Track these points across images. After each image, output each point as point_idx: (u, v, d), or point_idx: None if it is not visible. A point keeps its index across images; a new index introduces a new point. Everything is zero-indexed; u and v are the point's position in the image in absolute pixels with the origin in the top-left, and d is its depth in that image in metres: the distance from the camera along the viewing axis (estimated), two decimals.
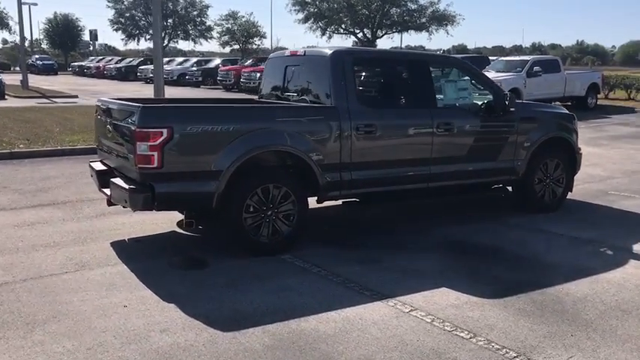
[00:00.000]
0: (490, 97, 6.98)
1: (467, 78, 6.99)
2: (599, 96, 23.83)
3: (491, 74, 20.93)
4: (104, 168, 6.19)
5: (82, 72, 52.96)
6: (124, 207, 5.82)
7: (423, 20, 36.20)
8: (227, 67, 35.11)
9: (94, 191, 8.43)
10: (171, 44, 65.47)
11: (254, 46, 49.66)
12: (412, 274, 5.27)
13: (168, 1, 54.80)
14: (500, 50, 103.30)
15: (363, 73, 6.27)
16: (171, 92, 25.54)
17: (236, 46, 49.55)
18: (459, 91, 6.88)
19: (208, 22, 57.36)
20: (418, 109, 6.50)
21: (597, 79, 23.46)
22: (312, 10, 39.80)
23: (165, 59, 45.89)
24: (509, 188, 7.53)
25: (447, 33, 37.06)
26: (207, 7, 59.28)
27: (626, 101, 25.79)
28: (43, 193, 8.43)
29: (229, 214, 5.50)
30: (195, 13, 57.57)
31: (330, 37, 41.95)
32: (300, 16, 41.79)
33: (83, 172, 9.86)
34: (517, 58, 24.53)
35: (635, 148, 13.69)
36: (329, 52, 6.16)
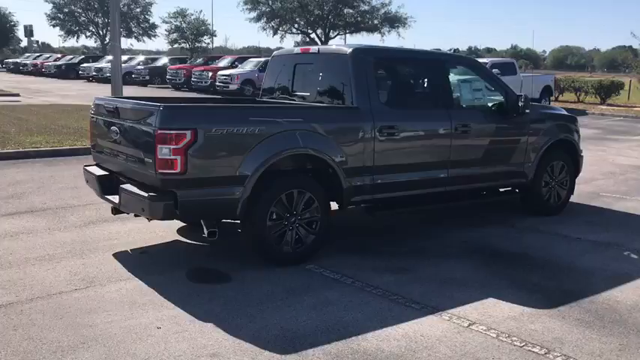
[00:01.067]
0: (501, 98, 6.82)
1: (480, 79, 6.81)
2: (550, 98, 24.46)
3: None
4: (105, 173, 5.66)
5: (17, 69, 50.50)
6: (135, 216, 5.33)
7: (376, 22, 36.37)
8: (177, 66, 34.22)
9: (73, 197, 7.90)
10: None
11: (203, 45, 48.62)
12: (450, 284, 5.02)
13: None
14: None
15: (383, 72, 5.98)
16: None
17: (185, 45, 48.28)
18: (473, 91, 6.70)
19: (152, 20, 56.03)
20: (437, 109, 6.27)
21: (550, 82, 24.08)
22: (264, 9, 39.21)
23: (108, 57, 44.38)
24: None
25: (399, 35, 37.45)
26: (151, 4, 57.79)
27: (575, 103, 26.57)
28: (16, 199, 7.74)
29: (253, 221, 5.10)
30: (138, 10, 55.92)
31: (282, 37, 41.63)
32: (252, 14, 41.37)
33: (54, 176, 9.24)
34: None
35: (601, 149, 13.97)
36: (348, 50, 5.84)
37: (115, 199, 5.35)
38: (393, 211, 6.13)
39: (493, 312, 4.45)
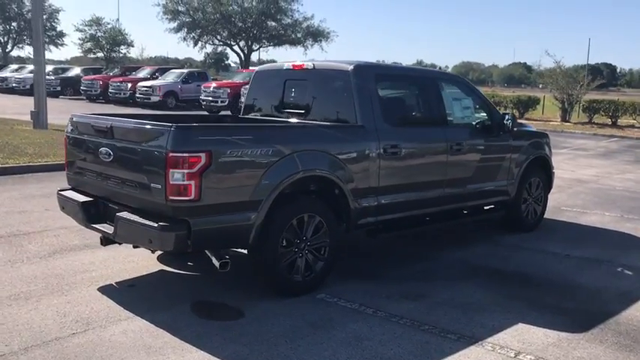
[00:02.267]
0: (486, 116, 6.82)
1: (467, 96, 6.76)
2: None
3: None
4: (88, 199, 5.08)
5: None
6: (135, 247, 4.80)
7: (299, 35, 36.26)
8: (92, 77, 32.63)
9: (23, 222, 7.17)
10: (15, 50, 59.42)
11: (120, 55, 46.27)
12: (471, 309, 4.86)
13: (11, 2, 49.63)
14: None
15: (383, 90, 5.78)
16: (25, 102, 23.13)
17: (100, 54, 45.77)
18: (463, 109, 6.64)
19: (60, 28, 52.89)
20: (434, 127, 6.15)
21: None
22: (185, 19, 38.04)
23: (14, 66, 41.69)
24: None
25: (322, 49, 37.56)
26: (58, 11, 54.58)
27: None
28: None
29: (265, 249, 4.73)
30: (44, 17, 52.32)
31: (202, 48, 40.58)
32: (173, 25, 40.04)
33: None
34: None
35: None
36: (350, 66, 5.59)
37: (107, 228, 4.81)
38: (395, 233, 5.92)
39: (530, 339, 4.32)
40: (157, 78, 30.28)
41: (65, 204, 5.32)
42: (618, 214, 8.81)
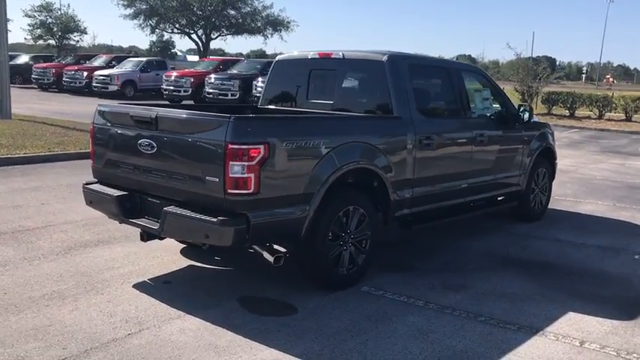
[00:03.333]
0: (499, 106, 6.88)
1: (486, 88, 6.79)
2: None
3: None
4: (124, 193, 4.84)
5: None
6: (185, 243, 4.61)
7: (259, 24, 35.75)
8: (44, 65, 31.36)
9: (23, 217, 6.84)
10: None
11: (72, 42, 44.30)
12: (517, 299, 4.90)
13: None
14: None
15: (416, 80, 5.73)
16: None
17: (51, 41, 43.66)
18: (483, 100, 6.67)
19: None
20: (460, 118, 6.16)
21: None
22: (142, 6, 36.79)
23: None
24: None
25: (282, 38, 37.15)
26: None
27: None
28: None
29: (314, 243, 4.63)
30: None
31: (161, 37, 39.33)
32: (129, 11, 38.61)
33: None
34: None
35: None
36: (384, 56, 5.52)
37: (149, 223, 4.60)
38: (428, 224, 5.90)
39: (587, 327, 4.38)
40: (113, 67, 29.36)
41: (94, 198, 5.07)
42: (610, 202, 9.07)
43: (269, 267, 4.54)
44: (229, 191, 4.09)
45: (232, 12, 34.65)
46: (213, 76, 24.20)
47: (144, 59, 30.21)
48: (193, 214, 4.21)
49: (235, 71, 24.86)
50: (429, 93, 6.15)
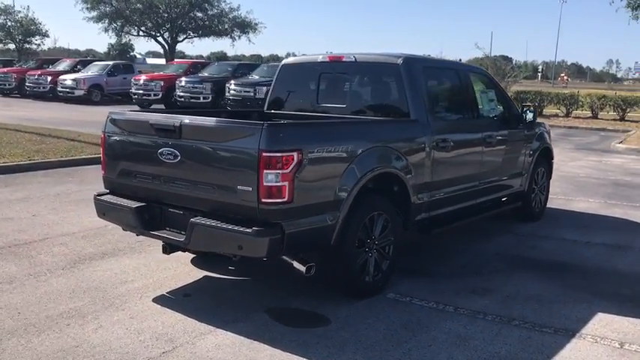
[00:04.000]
0: (503, 107, 6.90)
1: (490, 89, 6.79)
2: None
3: None
4: (142, 204, 4.65)
5: None
6: (205, 254, 4.44)
7: (226, 26, 35.28)
8: (5, 70, 30.42)
9: (15, 230, 6.54)
10: None
11: (34, 47, 42.88)
12: (544, 301, 4.88)
13: None
14: (276, 58, 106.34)
15: (430, 83, 5.67)
16: None
17: (11, 45, 42.10)
18: (489, 102, 6.66)
19: None
20: (471, 120, 6.14)
21: None
22: (106, 8, 35.73)
23: None
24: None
25: (249, 40, 36.74)
26: None
27: None
28: None
29: (343, 251, 4.53)
30: None
31: (127, 40, 38.33)
32: (92, 14, 37.40)
33: None
34: None
35: None
36: (399, 59, 5.45)
37: (174, 235, 4.44)
38: (446, 228, 5.85)
39: (620, 328, 4.39)
40: (78, 71, 28.66)
41: (108, 210, 4.86)
42: (601, 200, 9.20)
43: (287, 276, 4.44)
44: (263, 200, 3.96)
45: (199, 14, 34.26)
46: (184, 79, 23.83)
47: (110, 63, 29.55)
48: (226, 225, 4.06)
49: (206, 74, 24.55)
50: (442, 95, 6.11)
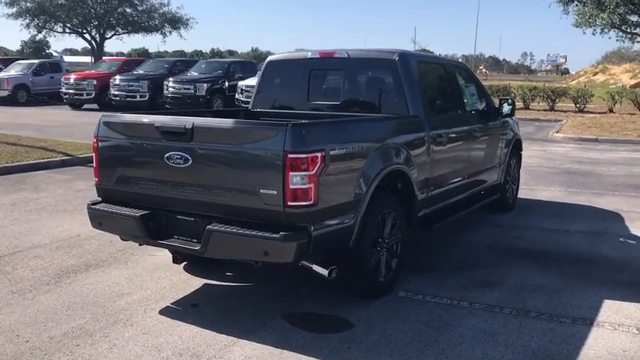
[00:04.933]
0: (483, 100, 6.99)
1: (471, 83, 6.85)
2: None
3: None
4: (147, 212, 4.38)
5: None
6: (226, 262, 4.23)
7: (156, 22, 34.14)
8: None
9: None
10: None
11: None
12: (551, 291, 4.95)
13: None
14: (200, 54, 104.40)
15: (423, 79, 5.63)
16: None
17: None
18: (471, 96, 6.72)
19: None
20: (458, 114, 6.18)
21: None
22: (27, 4, 33.48)
23: None
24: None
25: (181, 36, 35.67)
26: None
27: None
28: None
29: (360, 251, 4.44)
30: None
31: (49, 37, 36.12)
32: (12, 10, 34.98)
33: None
34: None
35: None
36: (394, 55, 5.39)
37: (186, 244, 4.21)
38: (444, 223, 5.83)
39: (633, 314, 4.50)
40: (0, 70, 27.12)
41: (105, 219, 4.55)
42: (561, 188, 9.52)
43: (288, 280, 4.29)
44: (289, 204, 3.80)
45: (128, 10, 32.97)
46: (118, 77, 22.97)
47: (36, 61, 28.12)
48: (249, 231, 3.87)
49: (142, 72, 23.76)
50: (434, 90, 6.10)
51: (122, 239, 4.78)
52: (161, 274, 5.31)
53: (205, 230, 4.01)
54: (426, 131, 5.29)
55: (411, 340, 4.02)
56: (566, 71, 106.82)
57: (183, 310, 4.55)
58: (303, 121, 3.96)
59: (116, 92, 22.57)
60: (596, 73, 69.34)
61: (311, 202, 3.84)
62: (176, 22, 33.91)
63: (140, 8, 32.96)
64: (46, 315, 4.40)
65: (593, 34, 18.77)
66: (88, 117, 20.72)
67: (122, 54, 73.68)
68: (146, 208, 4.41)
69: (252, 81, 21.40)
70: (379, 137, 4.60)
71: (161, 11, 33.65)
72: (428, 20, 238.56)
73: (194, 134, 4.06)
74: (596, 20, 17.74)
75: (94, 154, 4.66)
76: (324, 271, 4.18)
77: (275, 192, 3.81)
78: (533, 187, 9.58)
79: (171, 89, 21.54)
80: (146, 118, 4.43)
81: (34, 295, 4.79)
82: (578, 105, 25.31)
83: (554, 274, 5.41)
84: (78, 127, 16.77)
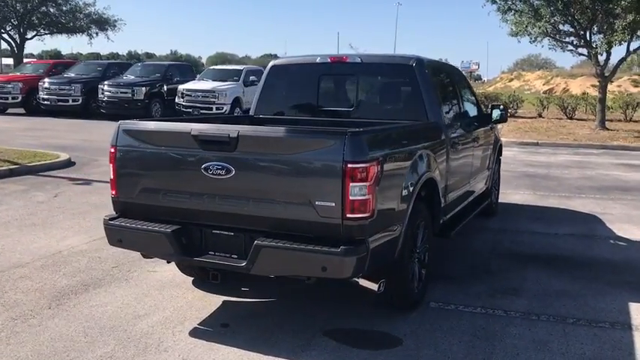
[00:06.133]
0: (475, 106, 7.03)
1: (466, 88, 6.86)
2: None
3: (209, 84, 20.71)
4: (178, 226, 4.05)
5: None
6: (285, 277, 4.00)
7: (82, 23, 32.39)
8: None
9: None
10: None
11: None
12: (575, 295, 4.97)
13: None
14: (117, 57, 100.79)
15: (437, 84, 5.56)
16: None
17: None
18: (468, 101, 6.72)
19: None
20: (463, 120, 6.14)
21: None
22: None
23: None
24: None
25: (108, 38, 34.08)
26: None
27: None
28: None
29: (402, 261, 4.31)
30: None
31: None
32: None
33: None
34: (229, 67, 24.64)
35: None
36: (411, 60, 5.30)
37: (226, 260, 3.92)
38: (458, 229, 5.77)
39: None
40: None
41: (128, 236, 4.17)
42: (529, 191, 9.76)
43: (307, 294, 4.12)
44: (349, 216, 3.61)
45: (52, 9, 31.16)
46: (47, 80, 21.75)
47: None
48: (306, 246, 3.64)
49: (73, 74, 22.61)
50: (444, 96, 6.04)
51: (144, 257, 4.41)
52: (171, 292, 4.96)
53: (253, 245, 3.74)
54: (445, 137, 5.22)
55: (467, 353, 3.92)
56: (479, 77, 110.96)
57: (215, 331, 4.25)
58: (360, 129, 3.76)
59: (45, 96, 21.35)
60: (511, 80, 72.29)
61: (369, 213, 3.66)
62: (103, 24, 32.59)
63: (64, 8, 31.39)
64: (63, 343, 3.98)
65: (530, 42, 19.47)
66: (16, 122, 19.54)
67: (32, 55, 69.71)
68: (174, 222, 4.08)
69: (194, 84, 20.95)
70: (417, 144, 4.48)
71: (87, 11, 32.23)
72: (350, 27, 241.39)
73: (239, 143, 3.78)
74: (533, 29, 18.40)
75: (111, 165, 4.27)
76: (374, 285, 4.00)
77: (333, 204, 3.60)
78: (503, 191, 9.72)
79: (107, 93, 20.62)
80: (180, 126, 4.10)
81: (39, 321, 4.34)
82: (510, 110, 26.23)
83: (567, 277, 5.46)
84: (7, 133, 15.74)
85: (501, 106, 6.96)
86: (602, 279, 5.44)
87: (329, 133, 3.78)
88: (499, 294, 5.02)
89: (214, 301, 4.78)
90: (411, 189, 4.24)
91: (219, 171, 3.84)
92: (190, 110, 19.85)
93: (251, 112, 5.93)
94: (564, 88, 49.25)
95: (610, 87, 25.07)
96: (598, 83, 20.18)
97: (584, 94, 34.18)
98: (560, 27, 19.68)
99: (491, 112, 7.00)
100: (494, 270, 5.66)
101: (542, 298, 4.93)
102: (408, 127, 4.82)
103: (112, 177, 4.28)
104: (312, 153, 3.65)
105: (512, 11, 19.01)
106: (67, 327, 4.24)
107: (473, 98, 6.93)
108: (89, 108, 21.42)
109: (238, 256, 3.90)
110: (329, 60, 5.55)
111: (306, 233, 3.73)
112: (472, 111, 6.68)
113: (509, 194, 9.45)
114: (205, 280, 4.86)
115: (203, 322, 4.39)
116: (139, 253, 4.54)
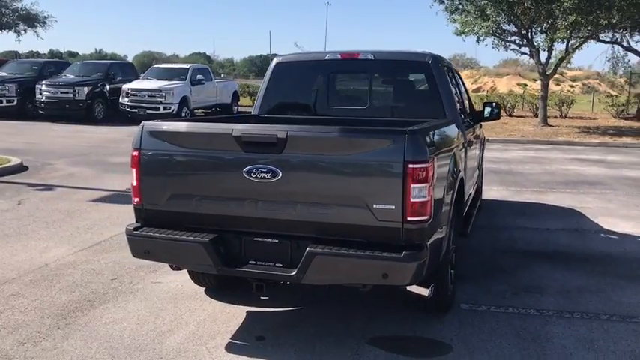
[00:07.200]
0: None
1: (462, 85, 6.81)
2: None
3: (155, 83, 20.07)
4: (215, 235, 3.76)
5: None
6: (348, 285, 3.79)
7: (7, 19, 30.40)
8: None
9: None
10: None
11: None
12: (597, 291, 5.00)
13: None
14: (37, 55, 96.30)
15: (450, 81, 5.46)
16: None
17: None
18: (468, 98, 6.67)
19: None
20: (467, 117, 6.09)
21: (237, 88, 24.92)
22: None
23: None
24: None
25: (38, 35, 32.15)
26: None
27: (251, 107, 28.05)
28: None
29: (446, 264, 4.19)
30: None
31: None
32: None
33: None
34: (174, 65, 23.86)
35: None
36: (426, 57, 5.18)
37: (272, 269, 3.66)
38: (469, 228, 5.69)
39: None
40: None
41: (157, 247, 3.83)
42: (502, 187, 9.88)
43: (330, 299, 4.01)
44: (409, 219, 3.44)
45: None
46: None
47: None
48: (365, 252, 3.44)
49: (6, 74, 21.32)
50: (455, 93, 5.95)
51: (173, 269, 4.09)
52: (187, 304, 4.64)
53: (305, 253, 3.51)
54: (462, 135, 5.15)
55: (521, 357, 3.83)
56: None
57: (252, 344, 3.98)
58: (417, 127, 3.59)
59: None
60: None
61: (428, 216, 3.51)
62: (32, 20, 30.87)
63: None
64: None
65: (477, 41, 19.88)
66: None
67: None
68: (209, 230, 3.78)
69: (140, 84, 20.18)
70: (453, 143, 4.37)
71: (13, 7, 30.46)
72: (282, 25, 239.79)
73: (287, 145, 3.54)
74: (480, 29, 18.79)
75: (134, 170, 3.91)
76: (425, 290, 3.86)
77: (393, 207, 3.42)
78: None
79: (45, 93, 19.54)
80: (219, 127, 3.80)
81: (53, 344, 3.94)
82: None
83: (579, 272, 5.50)
84: None
85: (494, 104, 6.95)
86: (612, 273, 5.50)
87: (388, 132, 3.59)
88: (523, 292, 4.98)
89: (238, 313, 4.50)
90: (453, 188, 4.13)
91: (263, 174, 3.58)
92: (136, 110, 19.11)
93: (254, 112, 5.65)
94: (492, 87, 50.79)
95: (533, 85, 25.95)
96: (525, 82, 20.84)
97: (510, 91, 35.47)
98: (505, 27, 20.17)
99: (483, 109, 7.00)
100: (506, 268, 5.63)
101: (565, 295, 4.93)
102: (444, 125, 4.70)
103: (134, 183, 3.93)
104: (368, 153, 3.46)
105: (459, 11, 19.31)
106: (87, 348, 3.88)
107: (467, 95, 6.90)
108: (25, 109, 20.26)
109: (284, 265, 3.66)
110: (339, 57, 5.34)
111: (360, 238, 3.53)
112: (470, 108, 6.65)
113: (484, 190, 9.52)
114: (236, 291, 4.59)
115: (235, 335, 4.11)
116: (136, 263, 4.22)
